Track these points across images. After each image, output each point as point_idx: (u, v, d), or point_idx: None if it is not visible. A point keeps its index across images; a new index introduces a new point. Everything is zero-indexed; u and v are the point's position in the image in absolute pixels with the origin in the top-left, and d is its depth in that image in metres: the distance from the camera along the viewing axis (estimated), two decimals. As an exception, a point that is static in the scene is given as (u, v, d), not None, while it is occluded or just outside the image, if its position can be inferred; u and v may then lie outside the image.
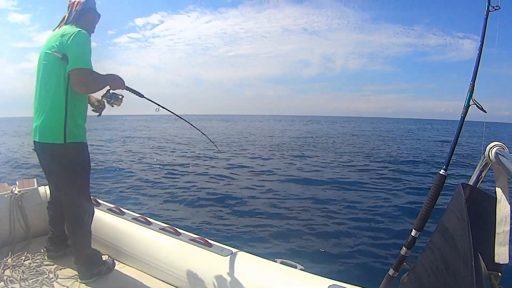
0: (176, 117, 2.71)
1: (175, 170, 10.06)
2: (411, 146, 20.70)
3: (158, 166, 10.87)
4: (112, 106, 2.33)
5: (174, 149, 17.07)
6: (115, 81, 2.26)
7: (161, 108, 2.50)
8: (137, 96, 2.38)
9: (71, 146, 2.12)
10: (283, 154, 15.15)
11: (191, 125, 2.89)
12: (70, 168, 2.18)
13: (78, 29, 2.09)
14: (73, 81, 2.05)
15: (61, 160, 2.15)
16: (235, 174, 9.24)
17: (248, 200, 6.31)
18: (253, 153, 15.34)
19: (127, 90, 2.33)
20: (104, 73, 2.21)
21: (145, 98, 2.42)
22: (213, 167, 10.71)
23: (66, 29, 2.09)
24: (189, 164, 11.53)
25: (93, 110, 2.39)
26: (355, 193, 7.05)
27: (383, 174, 9.69)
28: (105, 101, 2.32)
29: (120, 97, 2.31)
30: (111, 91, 2.27)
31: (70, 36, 2.03)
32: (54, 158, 2.17)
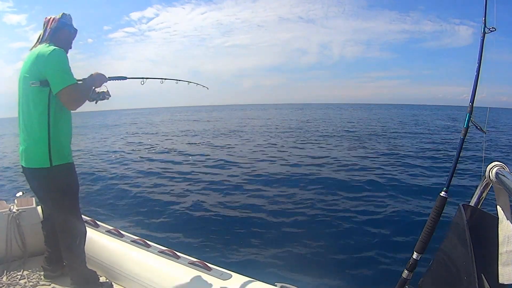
0: (162, 80, 2.77)
1: (164, 175, 9.71)
2: (413, 135, 19.89)
3: (145, 170, 10.50)
4: (107, 99, 2.36)
5: (164, 148, 16.32)
6: (97, 80, 2.28)
7: (146, 81, 2.59)
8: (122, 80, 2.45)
9: (58, 168, 2.11)
10: (278, 147, 14.65)
11: (177, 80, 2.93)
12: (59, 191, 2.17)
13: (52, 47, 2.08)
14: (63, 102, 2.06)
15: (48, 184, 2.15)
16: (230, 181, 8.80)
17: (243, 214, 6.10)
18: (248, 148, 14.88)
19: (110, 80, 2.36)
20: (93, 72, 2.28)
21: (129, 78, 2.48)
22: (203, 170, 10.29)
23: (40, 50, 2.08)
24: (181, 164, 11.24)
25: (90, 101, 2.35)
26: (355, 199, 6.82)
27: (384, 171, 9.33)
28: (95, 101, 2.32)
29: (105, 91, 2.34)
30: (96, 90, 2.29)
31: (45, 57, 2.03)
32: (41, 182, 2.17)
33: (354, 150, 13.71)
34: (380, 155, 12.26)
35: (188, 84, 3.06)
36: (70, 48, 2.32)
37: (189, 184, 8.72)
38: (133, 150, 15.35)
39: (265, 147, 15.29)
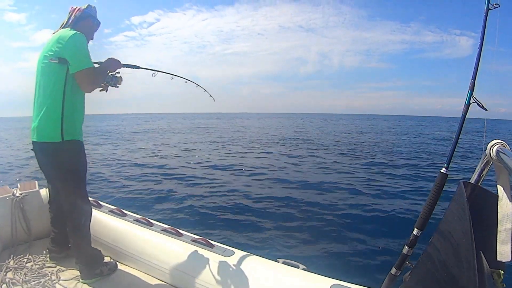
0: (173, 76, 2.84)
1: (168, 168, 9.99)
2: (411, 143, 20.35)
3: (153, 163, 10.81)
4: (117, 87, 2.43)
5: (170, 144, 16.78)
6: (113, 64, 2.38)
7: (157, 73, 2.67)
8: (134, 69, 2.51)
9: (68, 144, 2.16)
10: (280, 151, 15.02)
11: (186, 79, 2.94)
12: (67, 167, 2.20)
13: (74, 31, 2.16)
14: (80, 82, 2.14)
15: (58, 159, 2.18)
16: (233, 172, 9.14)
17: (247, 199, 6.27)
18: (252, 150, 15.22)
19: (124, 67, 2.45)
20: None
21: (141, 68, 2.56)
22: (209, 163, 10.64)
23: (62, 33, 2.15)
24: (185, 159, 11.42)
25: (100, 90, 2.42)
26: (355, 191, 6.99)
27: (383, 171, 9.58)
28: (108, 85, 2.39)
29: (119, 76, 2.43)
30: (110, 74, 2.38)
31: (67, 39, 2.10)
32: (51, 156, 2.20)
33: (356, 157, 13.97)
34: (377, 162, 12.34)
35: (197, 87, 3.05)
36: (92, 39, 2.41)
37: (195, 171, 8.93)
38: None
39: (266, 148, 15.71)
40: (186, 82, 2.94)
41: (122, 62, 2.42)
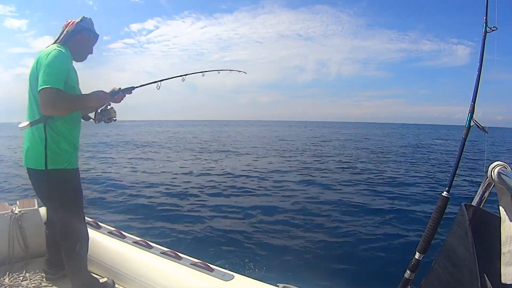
0: (183, 77, 2.69)
1: (164, 186, 9.66)
2: (412, 155, 19.86)
3: (146, 181, 10.46)
4: (114, 120, 2.27)
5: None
6: (97, 100, 2.18)
7: (162, 84, 2.48)
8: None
9: (53, 173, 2.03)
10: (278, 162, 14.83)
11: (204, 72, 2.82)
12: (55, 195, 2.13)
13: (56, 47, 2.01)
14: (39, 102, 1.92)
15: (45, 187, 2.12)
16: (230, 189, 8.91)
17: (245, 219, 6.16)
18: (248, 162, 14.97)
19: (114, 95, 2.26)
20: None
21: (138, 86, 2.37)
22: (205, 180, 10.35)
23: (48, 49, 2.00)
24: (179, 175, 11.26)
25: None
26: (355, 210, 6.85)
27: (383, 187, 9.36)
28: (102, 121, 2.24)
29: (110, 107, 2.26)
30: (99, 110, 2.21)
31: (45, 57, 1.95)
32: (38, 184, 2.13)
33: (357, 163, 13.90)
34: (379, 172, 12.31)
35: (219, 72, 2.95)
36: (91, 53, 2.26)
37: (192, 189, 8.83)
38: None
39: (266, 159, 15.74)
40: (203, 75, 2.80)
41: (115, 90, 2.24)
